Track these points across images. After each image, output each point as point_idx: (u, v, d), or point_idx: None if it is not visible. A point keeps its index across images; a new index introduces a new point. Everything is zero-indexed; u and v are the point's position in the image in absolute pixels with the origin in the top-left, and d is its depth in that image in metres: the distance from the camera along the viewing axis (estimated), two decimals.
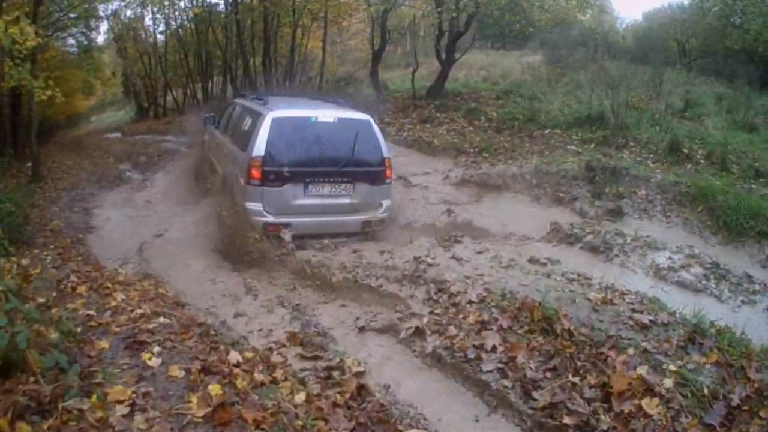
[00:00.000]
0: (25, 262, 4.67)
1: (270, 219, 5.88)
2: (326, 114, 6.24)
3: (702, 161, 8.63)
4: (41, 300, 3.43)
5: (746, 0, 17.08)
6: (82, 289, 3.96)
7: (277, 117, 6.02)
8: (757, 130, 10.75)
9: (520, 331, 3.51)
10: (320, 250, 5.76)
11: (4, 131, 12.78)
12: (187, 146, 12.36)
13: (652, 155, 8.84)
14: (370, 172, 6.28)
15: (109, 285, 4.14)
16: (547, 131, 10.08)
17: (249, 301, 4.89)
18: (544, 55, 20.06)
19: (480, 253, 5.28)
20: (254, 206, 5.89)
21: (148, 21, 24.43)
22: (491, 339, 3.46)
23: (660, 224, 6.89)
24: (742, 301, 4.91)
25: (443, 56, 14.79)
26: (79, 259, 5.78)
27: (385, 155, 6.37)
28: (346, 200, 6.22)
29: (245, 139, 6.26)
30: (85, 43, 21.56)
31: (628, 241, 5.86)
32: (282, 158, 5.92)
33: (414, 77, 14.91)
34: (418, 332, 3.81)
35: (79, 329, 2.90)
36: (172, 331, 3.17)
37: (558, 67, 17.43)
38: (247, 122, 6.62)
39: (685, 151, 8.76)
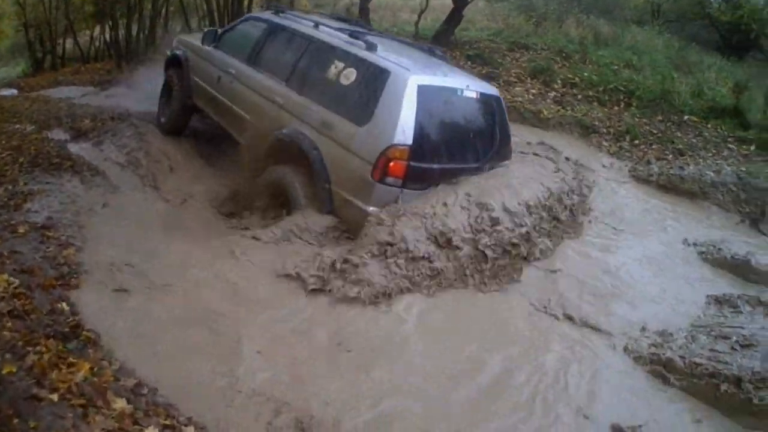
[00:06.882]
0: None
1: None
2: (470, 87, 4.46)
3: None
4: None
5: None
6: None
7: (424, 85, 4.08)
8: None
9: None
10: None
11: None
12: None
13: None
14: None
15: None
16: (686, 118, 8.29)
17: None
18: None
19: None
20: None
21: None
22: None
23: None
24: None
25: None
26: None
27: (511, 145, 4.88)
28: None
29: (355, 104, 4.20)
30: None
31: None
32: (431, 149, 4.18)
33: (419, 19, 12.23)
34: None
35: None
36: None
37: (531, 15, 15.54)
38: (344, 73, 4.36)
39: None
